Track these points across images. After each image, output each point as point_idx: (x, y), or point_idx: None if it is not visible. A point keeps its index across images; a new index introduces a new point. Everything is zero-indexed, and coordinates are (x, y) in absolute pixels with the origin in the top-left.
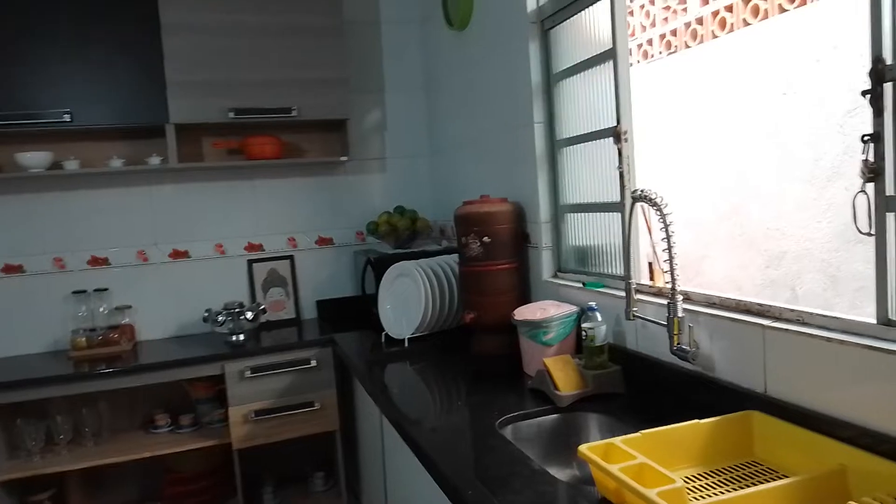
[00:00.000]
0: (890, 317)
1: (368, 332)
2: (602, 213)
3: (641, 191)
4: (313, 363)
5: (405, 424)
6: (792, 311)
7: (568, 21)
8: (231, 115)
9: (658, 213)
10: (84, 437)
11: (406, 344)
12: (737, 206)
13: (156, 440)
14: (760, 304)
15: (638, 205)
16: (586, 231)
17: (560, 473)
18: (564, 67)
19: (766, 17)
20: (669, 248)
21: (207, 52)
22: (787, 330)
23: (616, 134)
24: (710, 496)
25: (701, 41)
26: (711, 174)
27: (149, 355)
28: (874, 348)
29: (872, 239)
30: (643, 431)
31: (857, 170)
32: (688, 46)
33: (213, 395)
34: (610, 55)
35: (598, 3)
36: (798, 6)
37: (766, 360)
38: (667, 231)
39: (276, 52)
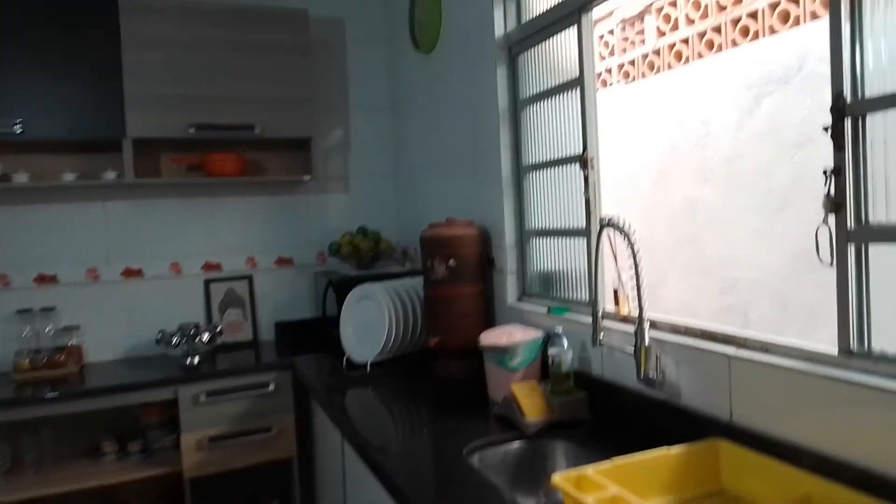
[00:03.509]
0: (850, 347)
1: (329, 356)
2: (567, 238)
3: (609, 218)
4: (271, 387)
5: (370, 451)
6: (756, 341)
7: (535, 47)
8: (192, 130)
9: (626, 240)
10: (24, 467)
11: (368, 368)
12: (691, 233)
13: (102, 468)
14: (726, 334)
15: (605, 231)
16: (551, 256)
17: (528, 502)
18: (531, 94)
19: (720, 50)
20: (637, 276)
21: (169, 66)
22: (751, 360)
23: (583, 160)
24: None
25: (657, 71)
26: (665, 201)
27: (97, 378)
28: (835, 378)
29: (825, 268)
30: (614, 460)
31: (807, 200)
32: (644, 76)
33: (165, 420)
34: (577, 83)
35: (566, 31)
36: (751, 40)
37: (732, 387)
38: (635, 259)
39: (240, 69)
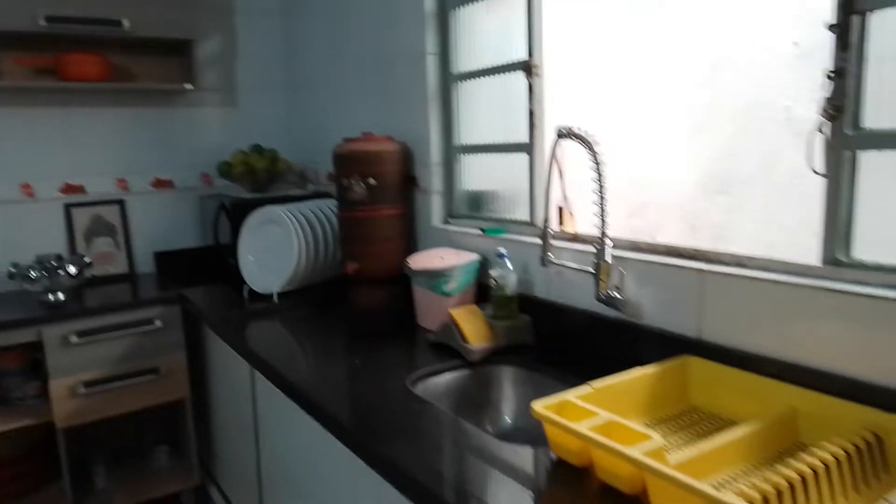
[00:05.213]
0: (837, 256)
1: (223, 287)
2: (502, 155)
3: (570, 128)
4: (158, 323)
5: (300, 388)
6: (730, 255)
7: None
8: (42, 23)
9: (590, 151)
10: None
11: (275, 299)
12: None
13: None
14: (694, 249)
15: (559, 143)
16: (482, 174)
17: (486, 430)
18: None
19: None
20: (601, 189)
21: None
22: (727, 274)
23: (527, 68)
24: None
25: None
26: (572, 119)
27: None
28: (823, 289)
29: (731, 190)
30: (593, 385)
31: (724, 122)
32: None
33: (25, 365)
34: None
35: None
36: None
37: (704, 304)
38: (599, 171)
39: None
